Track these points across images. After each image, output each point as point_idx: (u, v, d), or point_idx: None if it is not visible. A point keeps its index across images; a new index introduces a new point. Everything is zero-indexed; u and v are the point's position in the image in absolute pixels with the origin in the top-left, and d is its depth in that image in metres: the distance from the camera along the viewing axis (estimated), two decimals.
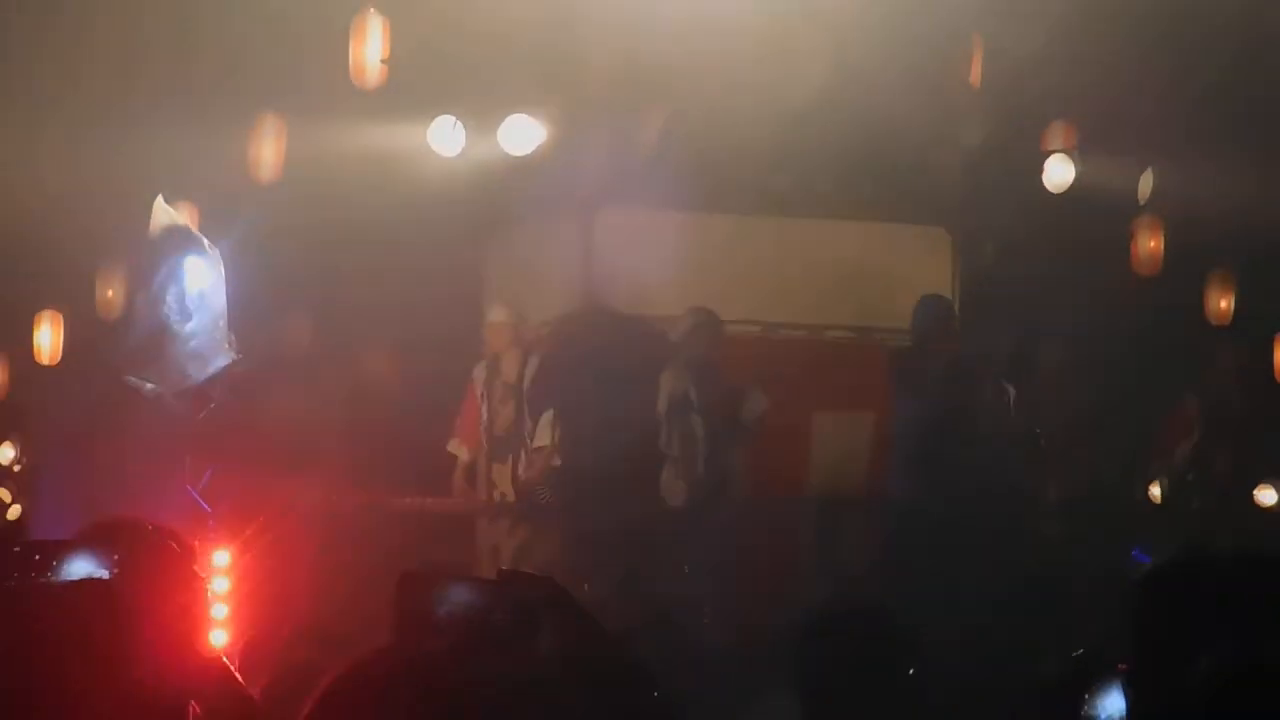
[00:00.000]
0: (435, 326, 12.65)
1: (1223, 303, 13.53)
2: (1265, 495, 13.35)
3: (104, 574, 3.70)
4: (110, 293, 13.13)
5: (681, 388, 11.94)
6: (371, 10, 11.68)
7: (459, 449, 12.61)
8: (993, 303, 13.20)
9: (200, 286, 10.90)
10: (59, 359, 13.13)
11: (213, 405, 11.19)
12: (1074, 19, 12.14)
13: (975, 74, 13.09)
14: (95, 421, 11.77)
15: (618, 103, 12.63)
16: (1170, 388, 13.09)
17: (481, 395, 12.51)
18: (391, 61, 11.88)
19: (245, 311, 11.42)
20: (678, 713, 3.62)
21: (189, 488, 10.83)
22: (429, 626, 3.53)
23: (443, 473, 12.62)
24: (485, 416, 12.45)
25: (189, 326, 10.83)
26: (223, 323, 10.96)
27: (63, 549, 3.76)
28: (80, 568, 3.68)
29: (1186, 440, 12.75)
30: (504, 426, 12.37)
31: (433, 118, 12.34)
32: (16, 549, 3.65)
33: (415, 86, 12.19)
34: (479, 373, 12.57)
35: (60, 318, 13.19)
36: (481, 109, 12.35)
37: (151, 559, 4.04)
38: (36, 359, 13.12)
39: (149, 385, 10.73)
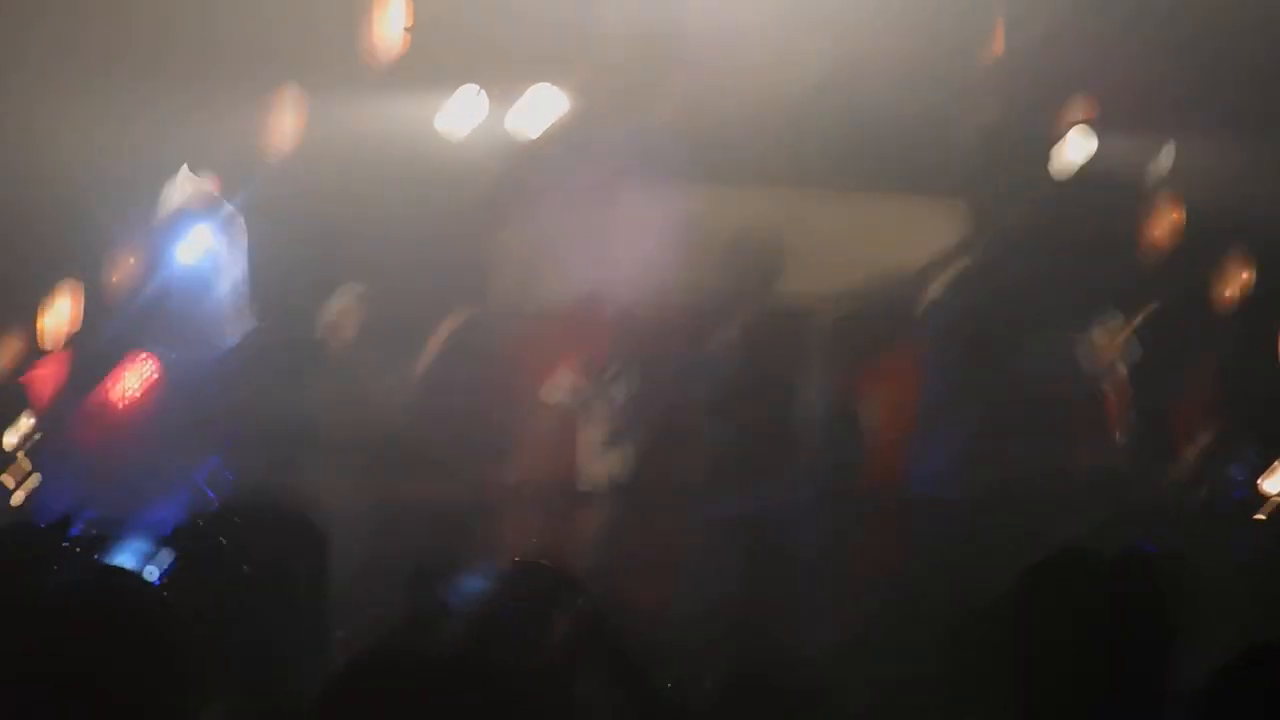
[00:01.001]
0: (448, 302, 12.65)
1: (1237, 284, 13.51)
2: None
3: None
4: (132, 262, 13.17)
5: None
6: None
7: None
8: (1008, 278, 13.19)
9: (223, 255, 10.97)
10: (78, 330, 13.16)
11: (230, 380, 11.25)
12: None
13: (996, 46, 13.10)
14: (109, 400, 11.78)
15: (634, 76, 12.63)
16: (1182, 368, 13.09)
17: None
18: (414, 31, 11.91)
19: (267, 281, 11.49)
20: (689, 706, 3.67)
21: (195, 476, 10.84)
22: (442, 616, 3.57)
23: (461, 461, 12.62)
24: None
25: (212, 295, 10.89)
26: (245, 290, 11.03)
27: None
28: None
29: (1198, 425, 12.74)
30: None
31: (449, 90, 12.34)
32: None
33: (436, 58, 12.22)
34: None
35: (80, 289, 13.23)
36: (498, 83, 12.35)
37: None
38: (54, 332, 13.15)
39: (172, 355, 10.79)
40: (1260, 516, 12.32)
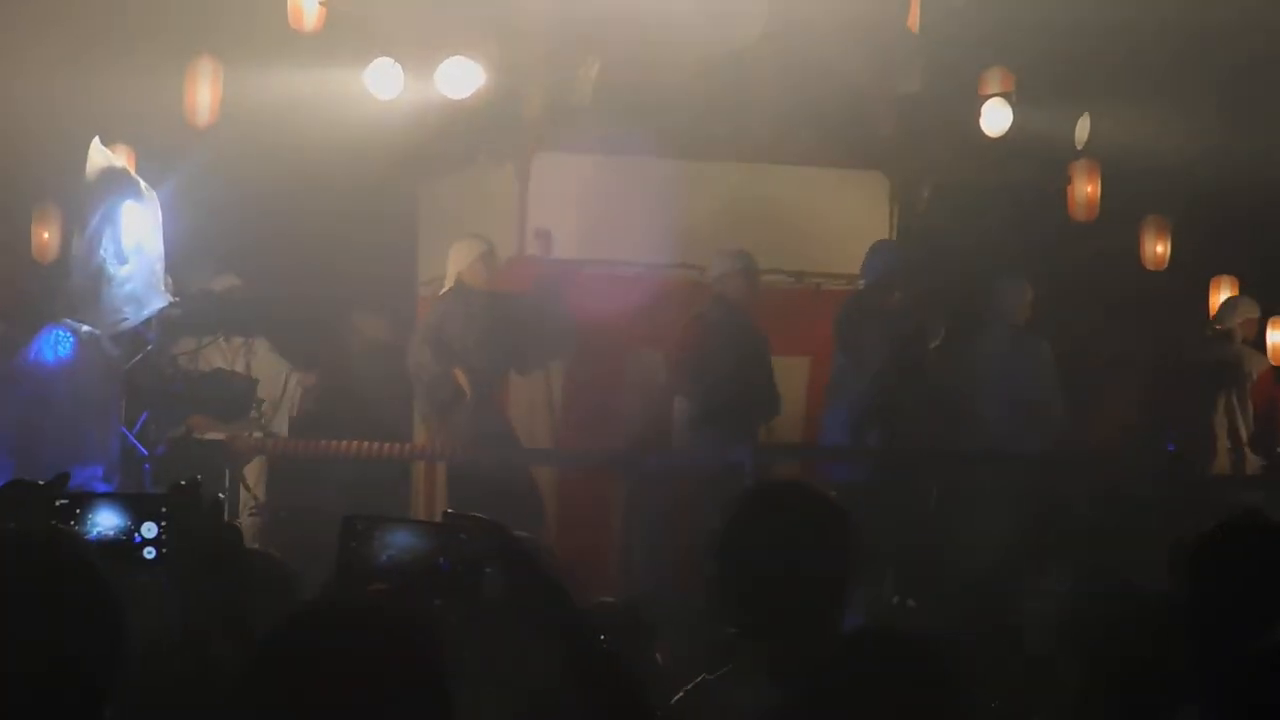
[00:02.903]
0: (370, 271, 12.62)
1: (1159, 247, 13.62)
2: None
3: None
4: (46, 235, 13.05)
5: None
6: None
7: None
8: (930, 248, 13.24)
9: (137, 229, 10.85)
10: None
11: (150, 348, 11.16)
12: None
13: (913, 19, 13.12)
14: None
15: (554, 46, 12.59)
16: (1108, 334, 13.18)
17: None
18: (329, 3, 11.83)
19: (182, 255, 11.39)
20: (623, 659, 3.63)
21: (124, 430, 10.80)
22: (372, 570, 3.52)
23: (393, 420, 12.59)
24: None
25: (125, 269, 10.78)
26: (159, 266, 10.92)
27: None
28: None
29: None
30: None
31: (370, 61, 12.26)
32: None
33: (353, 30, 12.14)
34: None
35: None
36: (419, 52, 12.28)
37: None
38: None
39: (85, 328, 10.68)
40: None
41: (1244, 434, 13.00)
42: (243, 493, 11.78)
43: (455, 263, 11.92)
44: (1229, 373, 13.01)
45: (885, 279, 11.85)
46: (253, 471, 12.04)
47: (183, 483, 3.59)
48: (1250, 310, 13.17)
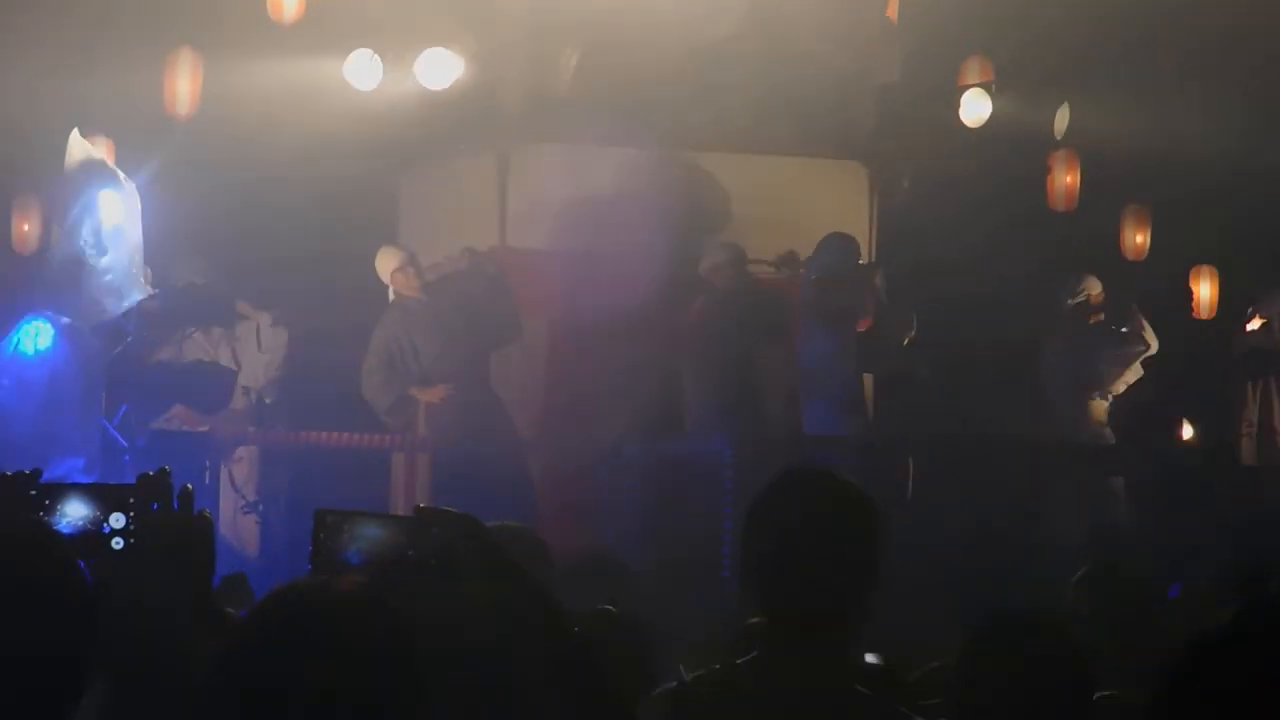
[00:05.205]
0: (350, 262, 12.60)
1: (1138, 237, 13.64)
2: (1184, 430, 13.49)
3: None
4: (25, 227, 13.04)
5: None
6: None
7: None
8: (909, 238, 13.26)
9: (116, 221, 10.85)
10: None
11: (129, 339, 11.16)
12: None
13: (893, 9, 13.13)
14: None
15: (534, 37, 12.59)
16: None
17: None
18: None
19: (162, 246, 11.39)
20: (598, 652, 3.64)
21: (104, 422, 10.80)
22: (344, 562, 3.53)
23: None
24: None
25: (104, 261, 10.77)
26: (138, 257, 10.92)
27: None
28: None
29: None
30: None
31: (350, 52, 12.25)
32: None
33: (332, 21, 12.12)
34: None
35: None
36: (398, 44, 12.28)
37: None
38: None
39: (65, 319, 10.68)
40: None
41: None
42: (231, 487, 11.81)
43: (382, 273, 12.13)
44: (1267, 362, 13.01)
45: (832, 270, 11.86)
46: (243, 467, 12.04)
47: (150, 474, 3.60)
48: None
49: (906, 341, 12.05)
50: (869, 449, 11.56)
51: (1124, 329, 12.52)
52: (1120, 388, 12.52)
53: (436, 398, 11.98)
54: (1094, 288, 12.62)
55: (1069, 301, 12.62)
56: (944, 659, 4.88)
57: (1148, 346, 12.45)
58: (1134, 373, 12.49)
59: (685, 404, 12.03)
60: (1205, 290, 13.80)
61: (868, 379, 12.38)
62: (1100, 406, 12.53)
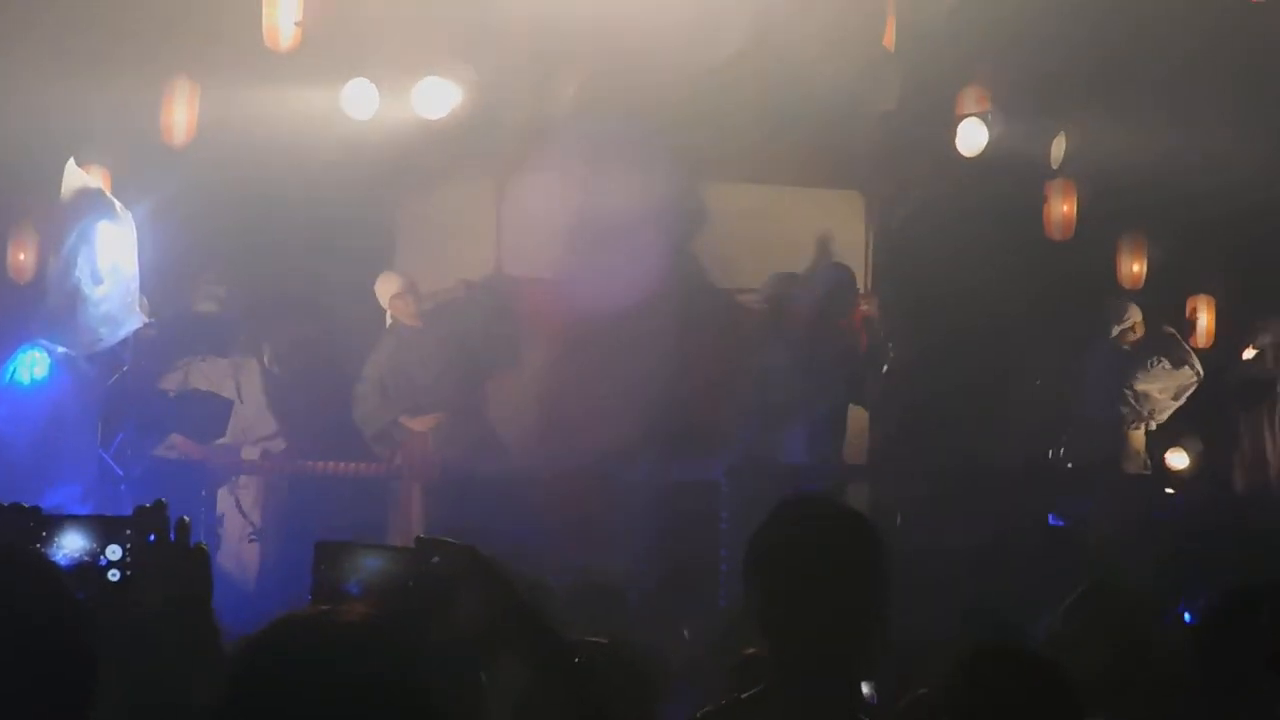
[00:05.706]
0: (347, 290, 12.60)
1: (1134, 266, 13.64)
2: (1176, 458, 13.45)
3: None
4: (22, 256, 13.02)
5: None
6: None
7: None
8: (906, 266, 13.26)
9: (112, 250, 10.85)
10: None
11: (125, 368, 11.15)
12: None
13: (890, 38, 13.13)
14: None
15: (532, 65, 12.60)
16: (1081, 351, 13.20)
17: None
18: (305, 24, 11.82)
19: (158, 275, 11.38)
20: (597, 680, 3.63)
21: (100, 451, 10.79)
22: (345, 593, 3.52)
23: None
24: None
25: (101, 290, 10.77)
26: (134, 286, 10.91)
27: None
28: None
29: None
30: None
31: (346, 81, 12.26)
32: None
33: (329, 50, 12.13)
34: None
35: None
36: (395, 72, 12.29)
37: None
38: None
39: (61, 348, 10.68)
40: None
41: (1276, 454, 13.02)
42: (239, 512, 11.80)
43: (381, 298, 12.17)
44: (1262, 392, 13.02)
45: (837, 301, 11.87)
46: (247, 494, 12.03)
47: (147, 505, 3.57)
48: None
49: (885, 369, 12.08)
50: (860, 477, 11.57)
51: (1167, 357, 12.56)
52: (1164, 417, 12.58)
53: (425, 426, 12.02)
54: (1136, 315, 12.69)
55: (1115, 328, 12.67)
56: (930, 685, 4.86)
57: (1199, 375, 12.50)
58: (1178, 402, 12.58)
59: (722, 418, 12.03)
60: (1203, 319, 13.79)
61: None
62: (1138, 436, 12.55)
